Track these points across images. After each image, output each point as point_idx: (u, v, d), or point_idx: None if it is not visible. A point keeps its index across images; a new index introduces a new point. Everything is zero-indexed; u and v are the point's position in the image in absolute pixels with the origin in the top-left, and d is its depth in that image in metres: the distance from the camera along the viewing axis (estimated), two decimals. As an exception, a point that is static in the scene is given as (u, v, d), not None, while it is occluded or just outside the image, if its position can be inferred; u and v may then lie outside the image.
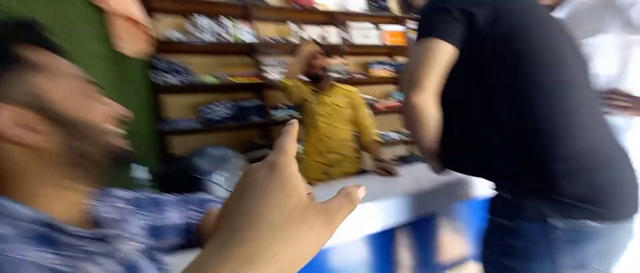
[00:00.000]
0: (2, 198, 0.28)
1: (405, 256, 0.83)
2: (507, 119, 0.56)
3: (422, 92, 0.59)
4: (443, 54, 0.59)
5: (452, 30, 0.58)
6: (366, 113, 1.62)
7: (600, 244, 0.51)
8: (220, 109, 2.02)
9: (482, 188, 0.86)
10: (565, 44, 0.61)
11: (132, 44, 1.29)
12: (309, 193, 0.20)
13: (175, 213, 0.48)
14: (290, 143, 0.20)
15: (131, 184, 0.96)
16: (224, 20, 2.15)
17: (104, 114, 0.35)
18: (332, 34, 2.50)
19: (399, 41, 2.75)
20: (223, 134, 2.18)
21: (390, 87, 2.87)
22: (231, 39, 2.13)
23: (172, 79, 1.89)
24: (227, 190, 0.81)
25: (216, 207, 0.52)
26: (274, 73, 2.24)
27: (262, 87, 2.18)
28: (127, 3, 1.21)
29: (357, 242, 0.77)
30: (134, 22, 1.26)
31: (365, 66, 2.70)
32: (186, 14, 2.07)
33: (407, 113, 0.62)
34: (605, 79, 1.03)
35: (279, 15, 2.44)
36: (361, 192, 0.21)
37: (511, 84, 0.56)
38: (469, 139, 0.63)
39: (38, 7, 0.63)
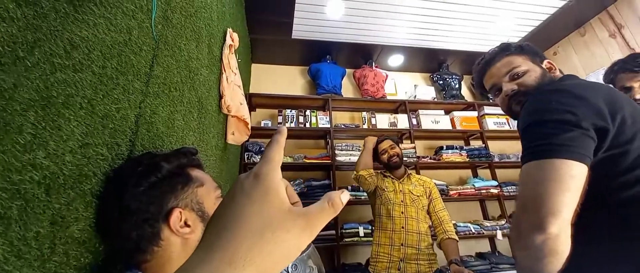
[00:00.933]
0: None
1: None
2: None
3: (562, 221, 0.48)
4: (578, 178, 0.49)
5: (586, 148, 0.51)
6: (443, 205, 1.57)
7: None
8: (294, 187, 2.21)
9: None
10: None
11: (237, 135, 1.66)
12: (294, 202, 0.22)
13: None
14: (276, 152, 0.22)
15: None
16: (308, 111, 2.55)
17: None
18: (402, 120, 2.64)
19: (471, 126, 2.70)
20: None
21: (463, 173, 2.70)
22: (309, 125, 2.47)
23: (257, 159, 2.23)
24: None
25: None
26: (343, 155, 2.42)
27: (331, 167, 2.34)
28: (241, 107, 1.62)
29: None
30: (242, 120, 1.64)
31: (435, 151, 2.67)
32: (278, 108, 2.56)
33: (536, 241, 0.49)
34: None
35: (352, 105, 2.76)
36: (344, 197, 0.21)
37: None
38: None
39: (191, 120, 0.93)
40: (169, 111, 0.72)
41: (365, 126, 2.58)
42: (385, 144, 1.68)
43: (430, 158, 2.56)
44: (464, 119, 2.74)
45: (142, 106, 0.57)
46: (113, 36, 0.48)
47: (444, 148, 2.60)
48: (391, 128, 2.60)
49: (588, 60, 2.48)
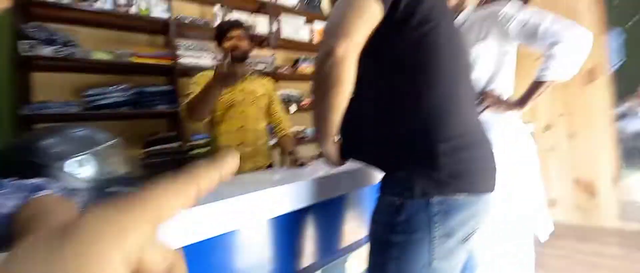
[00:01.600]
0: None
1: (307, 240, 0.81)
2: (406, 101, 0.59)
3: (350, 42, 0.52)
4: (373, 15, 0.54)
5: None
6: (281, 107, 1.59)
7: (464, 214, 0.58)
8: (114, 94, 1.71)
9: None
10: (460, 41, 0.67)
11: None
12: None
13: None
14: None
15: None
16: (134, -10, 1.85)
17: None
18: (262, 24, 2.40)
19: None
20: (117, 124, 1.86)
21: (270, 84, 2.89)
22: (136, 12, 1.84)
23: (46, 51, 1.52)
24: (86, 182, 0.66)
25: (46, 196, 0.39)
26: (190, 57, 2.02)
27: (173, 71, 1.93)
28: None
29: (258, 226, 0.71)
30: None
31: (294, 61, 2.68)
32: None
33: (325, 67, 0.53)
34: (482, 80, 1.21)
35: (202, -5, 2.22)
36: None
37: (418, 69, 0.58)
38: (367, 122, 0.64)
39: None
40: None
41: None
42: (235, 32, 1.39)
43: (289, 69, 2.55)
44: (321, 32, 2.81)
45: None
46: None
47: (302, 59, 2.64)
48: (251, 30, 2.33)
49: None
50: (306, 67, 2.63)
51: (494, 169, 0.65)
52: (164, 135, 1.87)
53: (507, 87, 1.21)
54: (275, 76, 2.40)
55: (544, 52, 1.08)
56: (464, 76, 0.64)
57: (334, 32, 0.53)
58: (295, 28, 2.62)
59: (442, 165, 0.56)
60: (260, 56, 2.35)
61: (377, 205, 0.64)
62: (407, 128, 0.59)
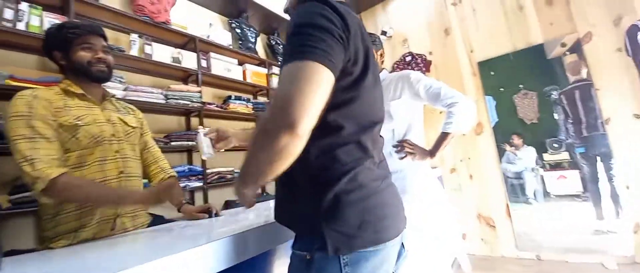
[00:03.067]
0: None
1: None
2: (311, 150, 0.55)
3: (311, 120, 0.46)
4: (329, 85, 0.49)
5: (336, 55, 0.50)
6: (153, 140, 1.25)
7: (374, 262, 0.57)
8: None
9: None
10: (379, 95, 0.69)
11: None
12: None
13: None
14: None
15: None
16: (24, 5, 1.55)
17: None
18: (190, 59, 2.27)
19: (261, 82, 2.83)
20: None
21: (247, 125, 2.81)
22: (23, 28, 1.52)
23: None
24: None
25: None
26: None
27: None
28: None
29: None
30: None
31: (224, 100, 2.56)
32: None
33: (281, 139, 0.46)
34: (398, 131, 1.35)
35: (115, 21, 2.00)
36: None
37: (326, 119, 0.55)
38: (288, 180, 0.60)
39: None
40: None
41: (133, 53, 1.97)
42: (98, 40, 1.02)
43: (217, 106, 2.42)
44: (255, 73, 2.81)
45: None
46: None
47: (233, 97, 2.55)
48: (174, 63, 2.16)
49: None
50: (237, 106, 2.54)
51: (401, 209, 0.65)
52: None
53: (419, 137, 1.39)
54: (202, 112, 2.23)
55: (445, 110, 1.34)
56: (371, 128, 0.62)
57: (296, 106, 0.45)
58: (227, 66, 2.57)
59: (348, 218, 0.54)
60: (186, 91, 2.17)
61: (290, 261, 0.61)
62: (309, 179, 0.58)
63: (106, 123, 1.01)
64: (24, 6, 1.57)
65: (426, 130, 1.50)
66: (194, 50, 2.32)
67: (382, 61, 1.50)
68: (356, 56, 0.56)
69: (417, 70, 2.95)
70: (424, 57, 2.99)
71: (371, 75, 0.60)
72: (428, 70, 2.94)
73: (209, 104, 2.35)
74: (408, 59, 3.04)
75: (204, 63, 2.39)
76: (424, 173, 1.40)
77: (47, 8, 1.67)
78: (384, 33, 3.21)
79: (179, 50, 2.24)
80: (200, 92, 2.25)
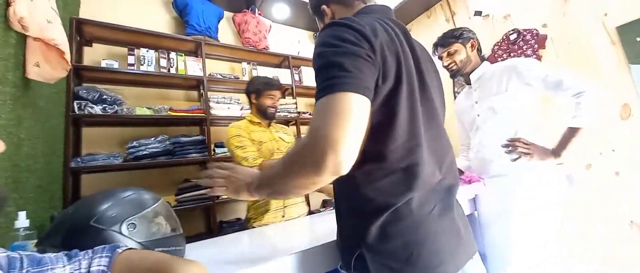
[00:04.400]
0: None
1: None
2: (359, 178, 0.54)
3: (352, 154, 0.44)
4: (360, 112, 0.45)
5: (366, 78, 0.47)
6: None
7: None
8: (153, 144, 1.82)
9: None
10: (432, 105, 0.60)
11: (46, 69, 1.14)
12: None
13: (60, 270, 0.41)
14: None
15: (9, 236, 0.76)
16: (173, 54, 2.07)
17: None
18: (285, 76, 2.57)
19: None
20: (154, 173, 1.96)
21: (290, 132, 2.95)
22: (174, 71, 2.03)
23: (95, 109, 1.68)
24: (138, 242, 0.68)
25: (124, 250, 0.46)
26: (220, 109, 2.15)
27: (205, 122, 2.06)
28: (49, 28, 1.09)
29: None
30: (54, 48, 1.12)
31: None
32: (129, 46, 1.96)
33: (312, 177, 0.45)
34: (506, 130, 1.20)
35: (231, 54, 2.45)
36: None
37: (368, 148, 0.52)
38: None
39: None
40: None
41: (245, 78, 2.36)
42: (277, 93, 1.55)
43: (310, 114, 2.65)
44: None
45: None
46: None
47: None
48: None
49: (431, 40, 3.07)
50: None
51: (463, 238, 0.57)
52: (195, 182, 1.93)
53: (532, 134, 1.19)
54: (299, 120, 2.50)
55: (570, 100, 1.13)
56: (419, 145, 0.54)
57: (317, 143, 0.43)
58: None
59: (394, 250, 0.50)
60: (284, 104, 2.47)
61: None
62: (352, 210, 0.56)
63: (274, 141, 1.49)
64: (173, 55, 2.09)
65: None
66: (288, 67, 2.61)
67: (480, 50, 1.34)
68: (386, 70, 0.50)
69: (527, 49, 2.48)
70: (534, 31, 2.52)
71: (406, 86, 0.53)
72: (542, 46, 2.46)
73: (304, 113, 2.60)
74: (513, 37, 2.58)
75: (296, 77, 2.66)
76: (539, 176, 1.16)
77: (188, 54, 2.18)
78: (478, 13, 2.85)
79: (276, 69, 2.56)
80: (295, 103, 2.51)
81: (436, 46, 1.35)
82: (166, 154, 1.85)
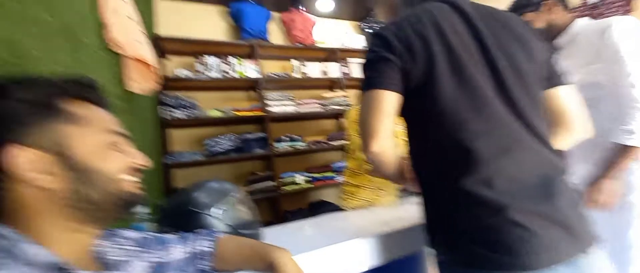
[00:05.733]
0: (18, 239, 0.31)
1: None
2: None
3: (378, 141, 0.58)
4: (391, 103, 0.58)
5: (389, 75, 0.58)
6: None
7: None
8: (224, 142, 2.07)
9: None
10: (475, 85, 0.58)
11: (142, 83, 1.38)
12: None
13: (178, 249, 0.51)
14: None
15: (131, 219, 0.97)
16: (231, 59, 2.28)
17: (123, 165, 0.38)
18: (333, 69, 2.62)
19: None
20: (226, 166, 2.21)
21: None
22: (236, 76, 2.24)
23: (178, 114, 1.97)
24: (228, 225, 0.82)
25: (223, 236, 0.56)
26: (276, 106, 2.31)
27: (265, 120, 2.24)
28: (140, 47, 1.32)
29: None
30: (144, 63, 1.36)
31: (366, 98, 2.78)
32: (196, 55, 2.22)
33: (370, 159, 0.62)
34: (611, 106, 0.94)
35: (282, 53, 2.59)
36: None
37: (420, 132, 0.65)
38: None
39: (57, 52, 0.70)
40: (9, 31, 0.50)
41: (296, 75, 2.48)
42: None
43: (360, 105, 2.66)
44: (390, 66, 2.87)
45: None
46: None
47: (372, 94, 2.72)
48: (323, 76, 2.56)
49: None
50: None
51: (565, 228, 0.49)
52: (262, 175, 2.15)
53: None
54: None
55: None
56: (487, 127, 0.54)
57: (365, 133, 0.60)
58: (365, 67, 2.77)
59: (467, 234, 0.51)
60: (334, 97, 2.53)
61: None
62: (423, 196, 0.61)
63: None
64: (232, 60, 2.30)
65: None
66: (335, 60, 2.65)
67: (566, 5, 1.07)
68: (413, 57, 0.56)
69: (610, 13, 2.10)
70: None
71: (445, 64, 0.56)
72: (630, 8, 2.06)
73: (356, 105, 2.62)
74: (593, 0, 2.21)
75: (345, 69, 2.69)
76: None
77: (243, 57, 2.38)
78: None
79: (324, 63, 2.63)
80: (345, 96, 2.55)
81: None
82: (235, 150, 2.08)
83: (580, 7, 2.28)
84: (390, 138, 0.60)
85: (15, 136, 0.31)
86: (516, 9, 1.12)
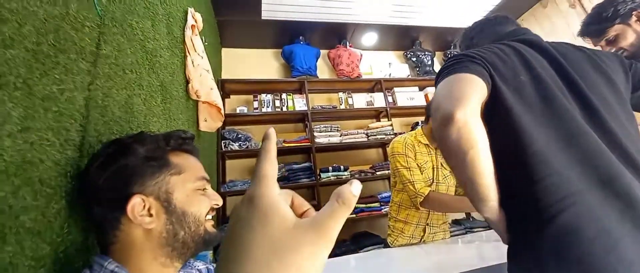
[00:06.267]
0: (123, 272, 0.39)
1: None
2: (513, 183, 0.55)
3: (467, 106, 0.49)
4: (482, 87, 0.53)
5: (479, 70, 0.55)
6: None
7: None
8: (274, 172, 2.21)
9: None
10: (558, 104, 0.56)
11: (210, 122, 1.61)
12: (304, 211, 0.20)
13: None
14: (266, 165, 0.19)
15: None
16: (284, 95, 2.51)
17: (207, 207, 0.45)
18: (379, 99, 2.68)
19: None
20: (276, 195, 2.35)
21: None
22: (286, 109, 2.44)
23: (234, 146, 2.20)
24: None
25: None
26: (322, 137, 2.42)
27: (311, 150, 2.35)
28: (211, 92, 1.57)
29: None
30: (214, 106, 1.60)
31: (412, 127, 2.74)
32: (253, 93, 2.50)
33: (451, 134, 0.49)
34: None
35: (328, 87, 2.75)
36: (355, 189, 0.18)
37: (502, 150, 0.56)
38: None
39: (154, 106, 0.89)
40: (126, 94, 0.68)
41: (342, 107, 2.59)
42: None
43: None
44: (437, 94, 2.81)
45: (92, 89, 0.53)
46: (46, 9, 0.43)
47: (420, 123, 2.68)
48: (368, 107, 2.63)
49: (549, 32, 2.60)
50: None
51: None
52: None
53: None
54: (395, 143, 2.52)
55: None
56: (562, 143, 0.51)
57: (450, 101, 0.51)
58: (409, 95, 2.76)
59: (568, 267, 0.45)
60: (380, 127, 2.55)
61: None
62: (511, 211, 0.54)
63: (436, 169, 1.35)
64: (284, 95, 2.53)
65: None
66: (380, 90, 2.71)
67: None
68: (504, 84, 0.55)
69: None
70: None
71: (532, 101, 0.54)
72: None
73: (400, 133, 2.60)
74: None
75: (390, 99, 2.72)
76: None
77: (294, 92, 2.59)
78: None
79: (370, 94, 2.70)
80: (391, 125, 2.56)
81: (583, 37, 1.04)
82: (283, 179, 2.21)
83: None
84: (478, 112, 0.51)
85: (139, 187, 0.41)
86: (595, 23, 1.01)
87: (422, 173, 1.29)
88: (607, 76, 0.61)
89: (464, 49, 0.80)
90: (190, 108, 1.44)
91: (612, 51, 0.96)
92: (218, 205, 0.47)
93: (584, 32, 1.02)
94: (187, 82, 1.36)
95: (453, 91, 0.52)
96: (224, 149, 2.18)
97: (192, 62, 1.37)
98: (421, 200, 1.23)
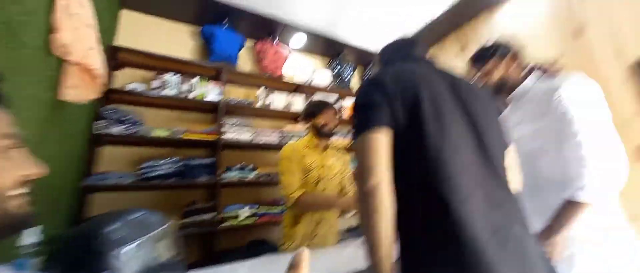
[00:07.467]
0: None
1: None
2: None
3: (374, 179, 0.60)
4: (383, 143, 0.63)
5: (380, 116, 0.65)
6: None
7: None
8: (165, 166, 1.88)
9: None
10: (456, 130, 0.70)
11: (80, 91, 1.25)
12: None
13: None
14: None
15: (16, 252, 0.81)
16: (194, 79, 2.20)
17: (14, 177, 0.32)
18: (298, 102, 2.65)
19: (358, 116, 2.97)
20: (162, 194, 2.02)
21: (346, 157, 2.95)
22: (194, 97, 2.15)
23: (116, 129, 1.79)
24: (134, 267, 0.70)
25: None
26: (233, 133, 2.23)
27: (217, 145, 2.12)
28: (90, 53, 1.21)
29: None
30: (89, 71, 1.24)
31: (326, 135, 2.82)
32: (157, 71, 2.11)
33: (362, 204, 0.60)
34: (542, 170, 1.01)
35: (249, 81, 2.57)
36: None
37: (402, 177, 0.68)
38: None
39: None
40: None
41: (259, 105, 2.45)
42: (332, 111, 1.55)
43: (320, 141, 2.68)
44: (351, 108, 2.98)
45: None
46: None
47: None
48: (285, 110, 2.57)
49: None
50: (336, 139, 2.75)
51: None
52: (201, 206, 1.96)
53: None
54: (308, 148, 2.53)
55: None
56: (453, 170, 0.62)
57: (360, 176, 0.62)
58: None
59: None
60: (296, 130, 2.52)
61: None
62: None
63: (321, 168, 1.48)
64: (194, 80, 2.22)
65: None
66: (302, 92, 2.69)
67: (521, 64, 1.12)
68: (405, 107, 0.67)
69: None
70: (547, 65, 2.46)
71: (431, 115, 0.66)
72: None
73: (314, 140, 2.63)
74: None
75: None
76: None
77: (209, 79, 2.31)
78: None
79: (291, 94, 2.65)
80: (306, 129, 2.55)
81: (471, 63, 1.19)
82: (177, 175, 1.91)
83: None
84: (386, 177, 0.61)
85: None
86: (480, 56, 1.15)
87: (309, 173, 1.40)
88: (488, 104, 0.80)
89: (379, 66, 0.92)
90: (51, 68, 1.09)
91: (482, 81, 1.13)
92: (31, 175, 0.34)
93: (472, 56, 1.18)
94: (52, 31, 1.02)
95: (363, 163, 0.62)
96: (99, 132, 1.74)
97: (67, 8, 1.04)
98: (292, 202, 1.34)
